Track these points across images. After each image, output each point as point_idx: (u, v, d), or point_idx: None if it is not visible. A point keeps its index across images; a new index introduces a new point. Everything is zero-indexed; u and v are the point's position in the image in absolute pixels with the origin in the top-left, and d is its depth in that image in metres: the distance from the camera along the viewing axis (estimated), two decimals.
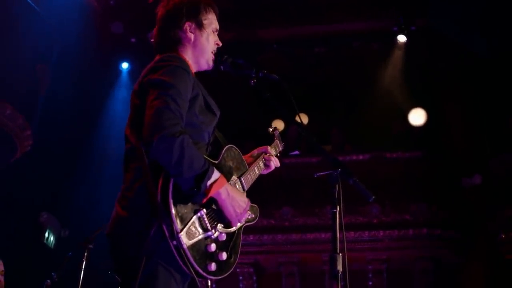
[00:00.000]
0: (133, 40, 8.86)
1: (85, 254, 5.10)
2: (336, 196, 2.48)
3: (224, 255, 2.34)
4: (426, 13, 8.48)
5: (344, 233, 2.40)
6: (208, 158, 2.42)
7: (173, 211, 2.17)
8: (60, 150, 7.52)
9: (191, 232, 2.22)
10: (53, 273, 5.22)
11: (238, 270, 8.13)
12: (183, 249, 2.16)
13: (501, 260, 7.55)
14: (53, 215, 8.20)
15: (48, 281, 5.09)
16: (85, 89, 8.06)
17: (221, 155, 2.57)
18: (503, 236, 7.50)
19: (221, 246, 2.37)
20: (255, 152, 3.00)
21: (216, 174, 2.31)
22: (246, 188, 2.71)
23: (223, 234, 2.37)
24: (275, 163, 3.01)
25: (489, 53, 8.05)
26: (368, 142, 8.95)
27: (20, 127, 7.19)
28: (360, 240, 7.90)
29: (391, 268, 8.11)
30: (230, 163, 2.64)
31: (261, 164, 2.94)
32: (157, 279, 2.21)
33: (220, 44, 2.75)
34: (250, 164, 2.83)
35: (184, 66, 2.46)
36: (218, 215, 2.37)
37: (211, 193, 2.29)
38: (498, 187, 7.76)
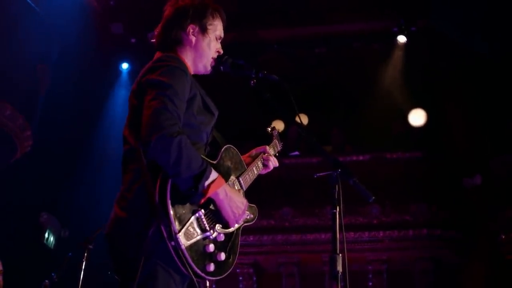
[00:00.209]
0: (133, 40, 8.86)
1: (85, 254, 5.09)
2: (336, 197, 2.48)
3: (222, 256, 2.34)
4: (426, 14, 8.47)
5: (344, 233, 2.40)
6: (206, 158, 2.42)
7: (171, 211, 2.16)
8: (60, 150, 7.52)
9: (189, 232, 2.22)
10: (52, 274, 5.22)
11: (238, 270, 8.13)
12: (181, 249, 2.16)
13: (502, 261, 7.54)
14: (53, 215, 8.20)
15: (46, 281, 5.08)
16: (85, 90, 8.05)
17: (220, 155, 2.57)
18: (504, 237, 7.50)
19: (220, 246, 2.36)
20: (254, 152, 3.00)
21: (214, 174, 2.31)
22: (244, 188, 2.71)
23: (221, 235, 2.37)
24: (273, 163, 3.01)
25: (490, 53, 8.05)
26: (369, 142, 8.95)
27: (20, 127, 7.19)
28: (360, 240, 7.90)
29: (391, 269, 8.11)
30: (229, 163, 2.63)
31: (260, 164, 2.93)
32: (156, 280, 2.21)
33: (221, 52, 2.74)
34: (248, 164, 2.83)
35: (182, 66, 2.46)
36: (216, 215, 2.37)
37: (209, 194, 2.29)
38: (498, 188, 7.76)
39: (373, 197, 2.56)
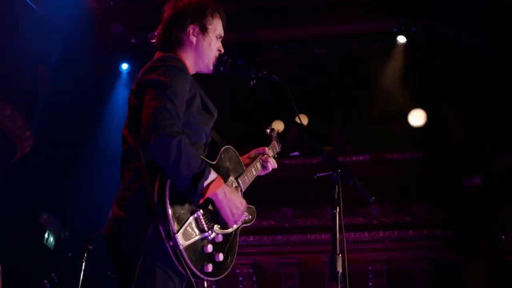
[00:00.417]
0: (133, 41, 8.86)
1: (85, 254, 5.10)
2: (336, 197, 2.49)
3: (220, 256, 2.34)
4: (426, 14, 8.48)
5: (344, 234, 2.40)
6: (205, 159, 2.42)
7: (170, 211, 2.16)
8: (60, 151, 7.52)
9: (187, 233, 2.21)
10: (52, 274, 5.23)
11: (238, 271, 8.12)
12: (180, 250, 2.16)
13: (502, 261, 7.54)
14: (53, 216, 8.21)
15: (45, 281, 5.09)
16: (85, 90, 8.05)
17: (219, 156, 2.57)
18: (504, 237, 7.50)
19: (218, 247, 2.36)
20: (253, 153, 3.00)
21: (213, 175, 2.31)
22: (243, 189, 2.71)
23: (219, 235, 2.37)
24: (272, 164, 3.01)
25: (490, 53, 8.05)
26: (368, 143, 8.95)
27: (20, 128, 7.19)
28: (360, 241, 7.90)
29: (391, 269, 8.11)
30: (227, 164, 2.63)
31: (258, 165, 2.94)
32: (155, 280, 2.21)
33: (223, 51, 2.74)
34: (247, 165, 2.83)
35: (181, 66, 2.46)
36: (215, 216, 2.36)
37: (208, 194, 2.29)
38: (498, 188, 7.76)
39: (373, 198, 2.57)
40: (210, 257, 2.31)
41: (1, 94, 6.81)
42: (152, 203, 2.17)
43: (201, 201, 2.28)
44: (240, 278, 8.22)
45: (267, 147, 3.10)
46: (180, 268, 2.19)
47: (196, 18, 2.65)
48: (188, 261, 2.18)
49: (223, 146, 2.65)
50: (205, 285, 2.62)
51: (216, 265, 2.32)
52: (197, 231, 2.26)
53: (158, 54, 2.59)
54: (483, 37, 7.96)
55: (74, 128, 7.79)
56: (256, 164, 2.90)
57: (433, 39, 8.60)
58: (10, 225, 6.64)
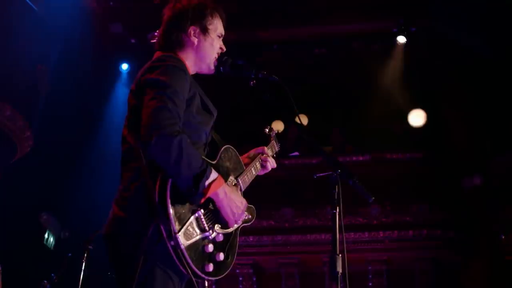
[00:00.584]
0: (133, 41, 8.86)
1: (85, 255, 5.10)
2: (336, 197, 2.49)
3: (221, 256, 2.34)
4: (426, 14, 8.48)
5: (344, 234, 2.40)
6: (206, 159, 2.42)
7: (171, 211, 2.16)
8: (60, 151, 7.52)
9: (188, 232, 2.22)
10: (52, 274, 5.22)
11: (237, 271, 8.12)
12: (181, 249, 2.16)
13: (502, 261, 7.54)
14: (53, 216, 8.20)
15: (45, 281, 5.09)
16: (85, 90, 8.06)
17: (219, 156, 2.57)
18: (504, 237, 7.50)
19: (218, 246, 2.36)
20: (252, 152, 3.00)
21: (214, 174, 2.31)
22: (243, 189, 2.71)
23: (220, 235, 2.37)
24: (271, 164, 3.01)
25: (489, 53, 8.05)
26: (368, 143, 8.95)
27: (20, 128, 7.18)
28: (360, 241, 7.90)
29: (391, 269, 8.11)
30: (227, 164, 2.64)
31: (258, 165, 2.94)
32: (155, 280, 2.21)
33: (225, 49, 2.74)
34: (247, 165, 2.83)
35: (181, 65, 2.46)
36: (216, 215, 2.37)
37: (209, 194, 2.29)
38: (498, 188, 7.76)
39: (373, 198, 2.57)
40: (211, 257, 2.31)
41: (1, 94, 6.80)
42: (153, 203, 2.17)
43: (202, 200, 2.28)
44: (240, 278, 8.22)
45: (266, 146, 3.10)
46: (181, 267, 2.19)
47: (196, 19, 2.65)
48: (189, 261, 2.18)
49: (223, 146, 2.65)
50: (206, 284, 2.62)
51: (217, 264, 2.33)
52: (198, 231, 2.26)
53: (157, 54, 2.60)
54: (483, 38, 7.96)
55: (74, 128, 7.79)
56: (255, 164, 2.91)
57: (433, 39, 8.60)
58: (10, 225, 6.63)
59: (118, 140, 2.51)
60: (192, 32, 2.64)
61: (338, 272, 2.35)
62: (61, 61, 7.72)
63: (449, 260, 7.97)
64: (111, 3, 8.36)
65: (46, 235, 8.12)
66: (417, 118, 8.91)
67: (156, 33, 2.73)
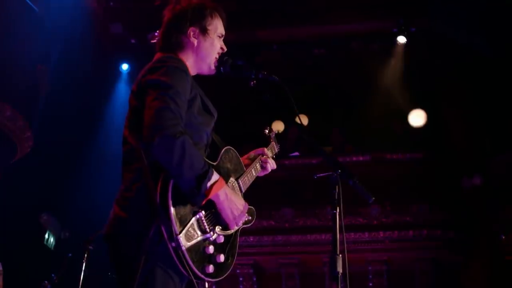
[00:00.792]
0: (133, 41, 8.86)
1: (85, 255, 5.10)
2: (336, 197, 2.49)
3: (222, 257, 2.34)
4: (425, 13, 8.48)
5: (344, 234, 2.40)
6: (207, 160, 2.42)
7: (172, 212, 2.16)
8: (60, 151, 7.52)
9: (189, 234, 2.21)
10: (52, 274, 5.22)
11: (238, 271, 8.12)
12: (182, 251, 2.16)
13: (502, 261, 7.54)
14: (53, 216, 8.20)
15: (46, 282, 5.09)
16: (85, 90, 8.06)
17: (219, 157, 2.57)
18: (504, 238, 7.50)
19: (219, 248, 2.36)
20: (252, 154, 3.00)
21: (215, 176, 2.31)
22: (243, 190, 2.71)
23: (221, 236, 2.37)
24: (271, 165, 3.01)
25: (489, 52, 8.06)
26: (368, 143, 8.96)
27: (20, 128, 7.18)
28: (360, 241, 7.90)
29: (392, 269, 8.11)
30: (228, 165, 2.64)
31: (258, 166, 2.94)
32: (155, 281, 2.21)
33: (225, 49, 2.74)
34: (247, 166, 2.83)
35: (182, 66, 2.46)
36: (216, 217, 2.37)
37: (210, 195, 2.28)
38: (498, 188, 7.76)
39: (373, 198, 2.57)
40: (211, 258, 2.31)
41: (1, 95, 6.81)
42: (155, 204, 2.16)
43: (203, 202, 2.28)
44: (241, 279, 8.23)
45: (266, 147, 3.10)
46: (182, 269, 2.19)
47: (196, 20, 2.66)
48: (190, 262, 2.18)
49: (224, 147, 2.65)
50: (206, 285, 2.62)
51: (217, 266, 2.33)
52: (199, 232, 2.27)
53: (158, 55, 2.60)
54: (482, 36, 7.97)
55: (74, 129, 7.79)
56: (255, 165, 2.91)
57: (433, 39, 8.60)
58: (10, 225, 6.64)
59: (118, 141, 2.51)
60: (192, 33, 2.64)
61: (338, 272, 2.34)
62: (61, 61, 7.72)
63: (449, 260, 7.96)
64: (111, 3, 8.37)
65: (46, 236, 8.12)
66: (417, 118, 8.91)
67: (156, 34, 2.73)
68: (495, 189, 7.79)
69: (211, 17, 2.70)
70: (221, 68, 2.72)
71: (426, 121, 8.83)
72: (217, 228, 2.36)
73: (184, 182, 2.21)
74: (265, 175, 3.05)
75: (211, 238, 2.31)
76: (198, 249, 2.25)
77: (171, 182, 2.20)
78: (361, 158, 8.46)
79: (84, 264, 5.05)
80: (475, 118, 8.31)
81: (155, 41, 2.72)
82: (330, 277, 2.36)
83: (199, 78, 2.71)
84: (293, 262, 8.20)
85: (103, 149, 7.95)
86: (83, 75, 8.03)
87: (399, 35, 8.51)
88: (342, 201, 2.48)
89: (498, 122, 8.12)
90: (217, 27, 2.72)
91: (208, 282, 2.42)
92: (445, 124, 8.65)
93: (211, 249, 2.29)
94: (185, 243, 2.17)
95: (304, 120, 8.94)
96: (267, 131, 3.22)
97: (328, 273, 7.85)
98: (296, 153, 8.11)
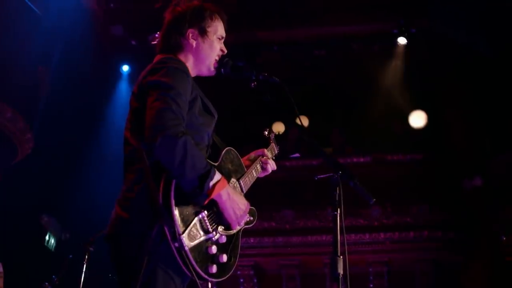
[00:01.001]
0: (133, 42, 8.87)
1: (86, 256, 5.10)
2: (337, 199, 2.48)
3: (224, 257, 2.34)
4: (425, 14, 8.48)
5: (345, 235, 2.40)
6: (209, 161, 2.42)
7: (175, 212, 2.16)
8: (61, 152, 7.52)
9: (192, 234, 2.21)
10: (53, 276, 5.22)
11: (238, 272, 8.13)
12: (185, 251, 2.16)
13: (503, 262, 7.54)
14: (53, 218, 8.20)
15: (46, 283, 5.08)
16: (85, 92, 8.06)
17: (221, 158, 2.58)
18: (505, 239, 7.50)
19: (222, 248, 2.37)
20: (252, 155, 3.01)
21: (217, 176, 2.31)
22: (244, 191, 2.71)
23: (223, 236, 2.37)
24: (272, 166, 3.01)
25: (490, 52, 8.06)
26: (369, 144, 8.96)
27: (20, 129, 7.19)
28: (361, 242, 7.90)
29: (392, 271, 8.11)
30: (229, 166, 2.64)
31: (259, 167, 2.94)
32: (156, 281, 2.21)
33: (225, 51, 2.74)
34: (247, 167, 2.84)
35: (182, 67, 2.46)
36: (219, 217, 2.37)
37: (213, 195, 2.28)
38: (498, 188, 7.76)
39: (374, 199, 2.57)
40: (214, 258, 2.31)
41: (2, 96, 6.81)
42: (157, 204, 2.16)
43: (206, 202, 2.28)
44: (241, 280, 8.22)
45: (266, 148, 3.10)
46: (185, 269, 2.19)
47: (195, 21, 2.66)
48: (193, 263, 2.18)
49: (225, 148, 2.65)
50: (209, 286, 2.62)
51: (220, 266, 2.33)
52: (201, 232, 2.27)
53: (158, 57, 2.60)
54: (482, 36, 7.97)
55: (74, 130, 7.79)
56: (256, 166, 2.91)
57: (433, 40, 8.60)
58: (11, 226, 6.64)
59: (119, 142, 2.51)
60: (191, 35, 2.65)
61: (339, 274, 2.34)
62: (62, 63, 7.73)
63: (449, 261, 7.96)
64: (112, 4, 8.38)
65: (47, 237, 8.12)
66: (417, 119, 8.91)
67: (156, 35, 2.74)
68: (495, 190, 7.79)
69: (211, 19, 2.70)
70: (222, 69, 2.72)
71: (426, 122, 8.83)
72: (220, 228, 2.36)
73: (186, 182, 2.21)
74: (266, 176, 3.05)
75: (213, 238, 2.31)
76: (201, 249, 2.25)
77: (174, 182, 2.20)
78: (361, 159, 8.47)
79: (84, 266, 5.05)
80: (475, 119, 8.32)
81: (155, 42, 2.73)
82: (331, 279, 2.36)
83: (199, 79, 2.71)
84: (294, 264, 8.20)
85: (103, 151, 7.95)
86: (84, 76, 8.03)
87: (400, 36, 8.52)
88: (342, 202, 2.48)
89: (498, 122, 8.13)
90: (217, 29, 2.72)
91: (211, 282, 2.42)
92: (445, 124, 8.65)
93: (214, 249, 2.29)
94: (188, 243, 2.17)
95: (304, 121, 8.94)
96: (266, 132, 3.22)
97: (328, 275, 7.84)
98: (297, 154, 8.10)
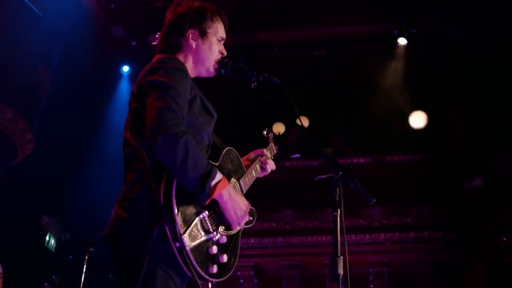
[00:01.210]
0: (133, 43, 8.87)
1: (86, 257, 5.10)
2: (337, 199, 2.48)
3: (225, 258, 2.34)
4: (425, 14, 8.49)
5: (345, 236, 2.40)
6: (209, 160, 2.42)
7: (177, 212, 2.16)
8: (61, 153, 7.52)
9: (193, 234, 2.21)
10: (53, 276, 5.22)
11: (239, 273, 8.12)
12: (186, 251, 2.15)
13: (503, 263, 7.54)
14: (54, 218, 8.20)
15: (46, 284, 5.08)
16: (86, 92, 8.07)
17: (221, 157, 2.57)
18: (505, 239, 7.50)
19: (222, 248, 2.36)
20: (252, 155, 3.01)
21: (218, 175, 2.31)
22: (244, 191, 2.71)
23: (224, 237, 2.37)
24: (271, 166, 3.01)
25: (490, 52, 8.06)
26: (369, 145, 8.96)
27: (21, 130, 7.19)
28: (361, 243, 7.90)
29: (392, 271, 8.11)
30: (229, 166, 2.64)
31: (258, 167, 2.94)
32: (156, 281, 2.21)
33: (225, 54, 2.74)
34: (247, 167, 2.84)
35: (181, 67, 2.46)
36: (220, 217, 2.37)
37: (214, 195, 2.28)
38: (499, 189, 7.76)
39: (374, 200, 2.57)
40: (215, 258, 2.31)
41: (2, 97, 6.81)
42: (158, 204, 2.16)
43: (207, 201, 2.28)
44: (241, 280, 8.22)
45: (265, 149, 3.10)
46: (186, 269, 2.19)
47: (195, 22, 2.66)
48: (194, 263, 2.18)
49: (225, 148, 2.65)
50: (210, 286, 2.62)
51: (221, 266, 2.33)
52: (202, 232, 2.26)
53: (157, 57, 2.60)
54: (482, 36, 7.97)
55: (75, 131, 7.79)
56: (255, 166, 2.91)
57: (433, 40, 8.61)
58: (11, 227, 6.64)
59: (119, 143, 2.51)
60: (191, 36, 2.64)
61: (339, 274, 2.34)
62: (62, 63, 7.74)
63: (449, 262, 7.96)
64: (112, 5, 8.39)
65: (47, 238, 8.13)
66: (418, 119, 8.91)
67: (157, 36, 2.74)
68: (496, 190, 7.79)
69: (212, 20, 2.70)
70: (222, 70, 2.72)
71: (427, 122, 8.83)
72: (220, 228, 2.36)
73: (187, 182, 2.21)
74: (266, 177, 3.05)
75: (214, 238, 2.31)
76: (201, 249, 2.25)
77: (175, 182, 2.20)
78: (362, 160, 8.48)
79: (85, 266, 5.05)
80: (475, 119, 8.32)
81: (155, 43, 2.73)
82: (331, 279, 2.36)
83: (199, 79, 2.71)
84: (294, 264, 8.20)
85: (103, 151, 7.95)
86: (84, 77, 8.04)
87: (400, 36, 8.52)
88: (343, 203, 2.48)
89: (498, 122, 8.13)
90: (217, 30, 2.71)
91: (211, 282, 2.42)
92: (446, 125, 8.65)
93: (214, 249, 2.29)
94: (189, 243, 2.17)
95: (304, 121, 8.94)
96: (265, 132, 3.23)
97: (329, 275, 7.85)
98: (297, 155, 8.11)
